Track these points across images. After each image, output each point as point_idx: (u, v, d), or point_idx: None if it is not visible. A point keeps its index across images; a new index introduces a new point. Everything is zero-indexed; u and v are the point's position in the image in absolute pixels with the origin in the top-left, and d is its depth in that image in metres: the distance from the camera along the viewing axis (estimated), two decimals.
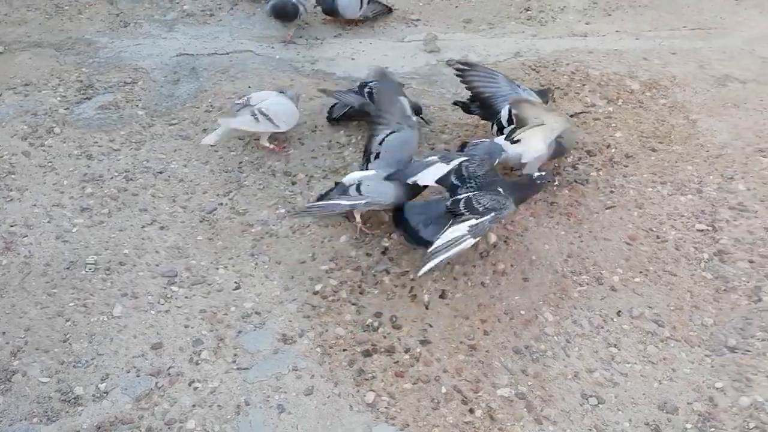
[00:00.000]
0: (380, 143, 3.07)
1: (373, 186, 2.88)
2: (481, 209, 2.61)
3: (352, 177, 2.97)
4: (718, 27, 4.73)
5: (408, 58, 4.37)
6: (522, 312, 2.74)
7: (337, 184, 3.03)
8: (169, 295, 2.78)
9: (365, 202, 2.84)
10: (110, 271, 2.88)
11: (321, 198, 3.06)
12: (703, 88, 4.05)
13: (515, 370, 2.52)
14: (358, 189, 2.88)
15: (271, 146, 3.52)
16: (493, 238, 3.05)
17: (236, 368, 2.51)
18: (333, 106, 3.72)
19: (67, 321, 2.68)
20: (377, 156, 3.05)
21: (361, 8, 4.56)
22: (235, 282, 2.84)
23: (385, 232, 3.08)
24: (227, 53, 4.37)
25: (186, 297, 2.77)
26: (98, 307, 2.74)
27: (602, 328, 2.67)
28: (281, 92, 3.56)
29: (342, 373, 2.50)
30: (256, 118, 3.36)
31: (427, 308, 2.75)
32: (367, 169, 3.03)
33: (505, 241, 3.05)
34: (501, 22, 4.76)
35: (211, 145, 3.46)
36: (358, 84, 3.70)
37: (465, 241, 2.55)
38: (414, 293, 2.82)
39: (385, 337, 2.64)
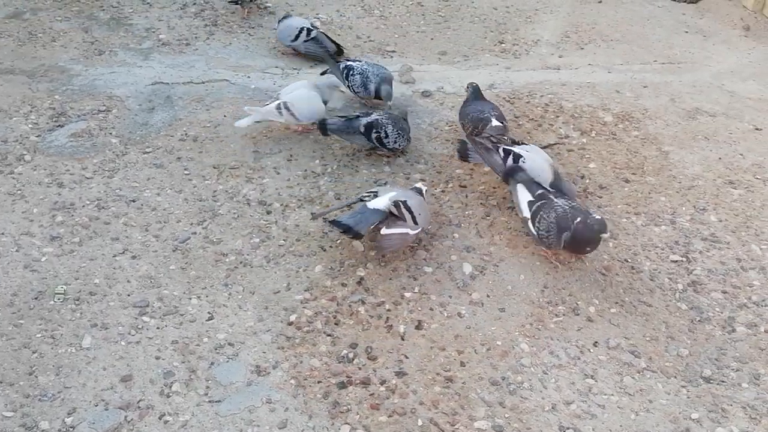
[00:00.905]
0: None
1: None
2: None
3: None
4: (687, 61, 4.86)
5: None
6: (498, 343, 2.72)
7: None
8: (140, 326, 2.71)
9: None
10: (80, 301, 2.81)
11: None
12: (675, 121, 4.13)
13: (492, 402, 2.49)
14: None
15: (299, 128, 3.83)
16: (468, 268, 3.05)
17: (208, 401, 2.44)
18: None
19: (34, 353, 2.60)
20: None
21: (294, 40, 4.58)
22: (208, 312, 2.78)
23: (360, 262, 3.05)
24: (203, 82, 4.36)
25: (158, 327, 2.71)
26: (67, 339, 2.66)
27: (579, 359, 2.66)
28: (317, 85, 3.79)
29: (316, 406, 2.45)
30: (280, 111, 3.65)
31: (403, 339, 2.73)
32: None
33: (481, 272, 3.04)
34: (476, 55, 4.83)
35: (245, 127, 3.76)
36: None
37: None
38: (390, 324, 2.79)
39: (360, 369, 2.60)
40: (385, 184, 3.47)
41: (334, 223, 2.99)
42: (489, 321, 2.81)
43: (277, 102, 3.68)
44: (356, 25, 5.22)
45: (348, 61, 4.12)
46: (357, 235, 2.98)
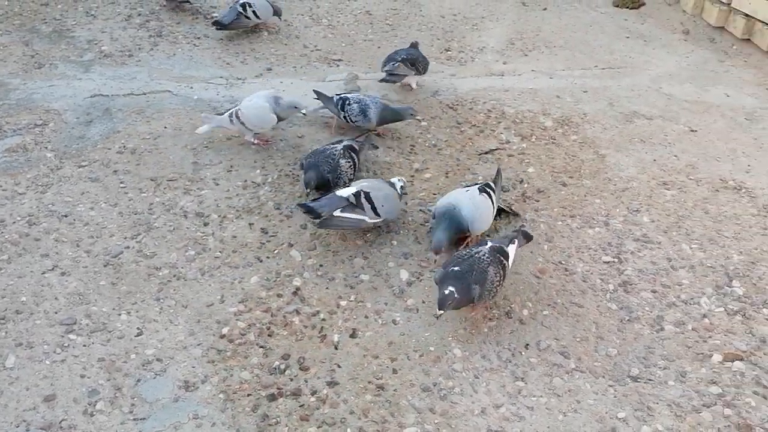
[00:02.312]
0: None
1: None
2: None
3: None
4: (627, 66, 4.94)
5: None
6: (432, 348, 2.72)
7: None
8: (66, 344, 2.66)
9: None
10: (5, 320, 2.75)
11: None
12: (612, 125, 4.20)
13: (422, 409, 2.49)
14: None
15: (255, 141, 3.81)
16: (405, 275, 3.05)
17: (133, 419, 2.40)
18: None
19: None
20: None
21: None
22: (138, 328, 2.74)
23: (297, 272, 3.04)
24: (144, 93, 4.32)
25: (84, 345, 2.66)
26: None
27: (510, 362, 2.68)
28: (276, 97, 3.77)
29: (245, 420, 2.43)
30: (231, 120, 3.71)
31: (336, 348, 2.72)
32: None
33: (418, 278, 3.05)
34: None
35: (202, 134, 3.83)
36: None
37: None
38: (324, 333, 2.78)
39: (291, 380, 2.58)
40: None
41: (300, 205, 3.17)
42: (423, 327, 2.82)
43: (230, 111, 3.74)
44: (304, 35, 5.23)
45: (340, 93, 4.00)
46: (316, 216, 3.12)
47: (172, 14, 5.35)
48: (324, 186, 3.33)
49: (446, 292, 2.56)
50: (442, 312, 2.58)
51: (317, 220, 3.14)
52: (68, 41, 4.90)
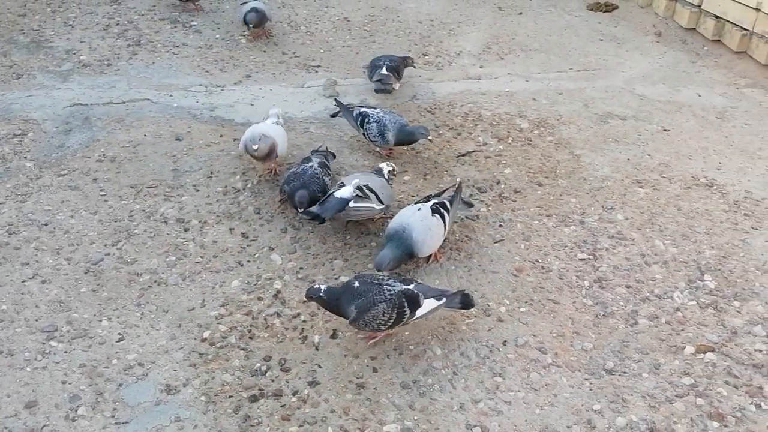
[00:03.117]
0: None
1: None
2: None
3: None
4: (601, 68, 5.03)
5: (308, 103, 4.45)
6: (411, 347, 2.76)
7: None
8: (47, 351, 2.67)
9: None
10: None
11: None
12: (587, 125, 4.28)
13: (402, 406, 2.53)
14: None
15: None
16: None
17: (114, 423, 2.41)
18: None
19: None
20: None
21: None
22: (119, 333, 2.76)
23: (277, 275, 3.07)
24: (123, 102, 4.34)
25: (65, 352, 2.67)
26: None
27: (488, 358, 2.72)
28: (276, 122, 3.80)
29: (227, 421, 2.45)
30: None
31: (317, 349, 2.75)
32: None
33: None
34: None
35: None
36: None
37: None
38: (305, 335, 2.81)
39: (273, 381, 2.61)
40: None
41: (305, 212, 3.23)
42: (403, 326, 2.85)
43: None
44: (282, 41, 5.27)
45: (362, 107, 3.91)
46: (321, 220, 3.23)
47: (151, 23, 5.37)
48: (313, 203, 3.27)
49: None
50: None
51: (320, 223, 3.27)
52: (46, 51, 4.91)
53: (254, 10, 4.99)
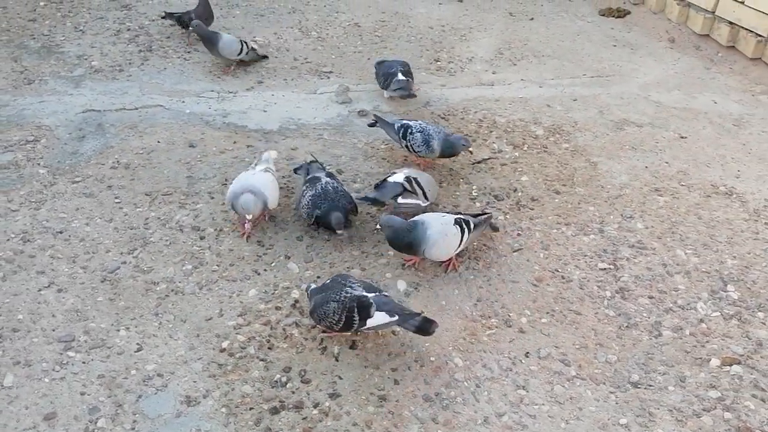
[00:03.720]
0: None
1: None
2: None
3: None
4: (615, 74, 5.00)
5: (320, 110, 4.42)
6: (432, 359, 2.73)
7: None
8: (65, 361, 2.64)
9: None
10: (2, 338, 2.72)
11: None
12: (603, 132, 4.25)
13: (425, 419, 2.49)
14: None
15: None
16: (403, 285, 3.06)
17: None
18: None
19: None
20: None
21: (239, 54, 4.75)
22: (137, 343, 2.73)
23: (294, 284, 3.04)
24: (136, 108, 4.31)
25: (83, 362, 2.64)
26: None
27: (511, 370, 2.69)
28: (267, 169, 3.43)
29: None
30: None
31: (337, 360, 2.71)
32: None
33: (415, 288, 3.06)
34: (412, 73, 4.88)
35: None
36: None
37: None
38: (324, 345, 2.77)
39: (293, 393, 2.57)
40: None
41: (364, 198, 3.37)
42: (423, 337, 2.82)
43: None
44: (293, 47, 5.24)
45: (402, 120, 3.80)
46: (381, 204, 3.37)
47: (162, 29, 5.35)
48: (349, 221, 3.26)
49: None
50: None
51: (379, 206, 3.41)
52: (57, 57, 4.88)
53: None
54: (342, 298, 2.64)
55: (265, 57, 5.03)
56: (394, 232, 3.00)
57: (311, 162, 3.60)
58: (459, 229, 3.02)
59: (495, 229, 3.35)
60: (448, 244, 3.02)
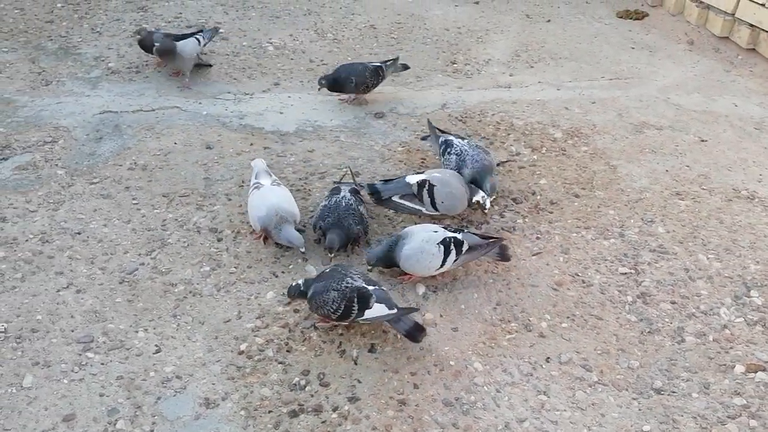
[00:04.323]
0: None
1: None
2: None
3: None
4: (634, 77, 4.96)
5: (337, 112, 4.41)
6: (452, 363, 2.70)
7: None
8: (84, 362, 2.63)
9: None
10: (21, 339, 2.73)
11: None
12: (622, 135, 4.21)
13: (445, 424, 2.47)
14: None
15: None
16: (422, 289, 3.03)
17: None
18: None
19: None
20: None
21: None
22: (156, 345, 2.72)
23: None
24: (153, 110, 4.31)
25: (102, 363, 2.63)
26: (7, 378, 2.57)
27: (532, 375, 2.66)
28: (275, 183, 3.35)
29: None
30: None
31: (356, 363, 2.69)
32: None
33: (434, 291, 3.03)
34: (428, 75, 4.87)
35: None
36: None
37: None
38: (343, 349, 2.75)
39: (312, 396, 2.55)
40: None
41: (369, 185, 3.41)
42: (442, 341, 2.80)
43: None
44: (309, 49, 5.23)
45: (449, 135, 3.69)
46: (378, 198, 3.37)
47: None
48: (346, 242, 3.13)
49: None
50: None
51: (377, 201, 3.37)
52: (75, 58, 4.89)
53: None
54: (343, 288, 2.67)
55: (209, 65, 4.81)
56: (378, 259, 3.00)
57: (341, 178, 3.56)
58: (442, 249, 2.91)
59: (506, 258, 3.08)
60: (424, 261, 2.93)
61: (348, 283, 2.70)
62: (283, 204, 3.18)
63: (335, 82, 4.30)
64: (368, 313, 2.68)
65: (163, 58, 4.57)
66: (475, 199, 3.33)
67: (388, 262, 3.01)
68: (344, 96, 4.46)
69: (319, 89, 4.30)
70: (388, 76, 4.48)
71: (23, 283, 2.98)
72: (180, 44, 4.51)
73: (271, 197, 3.21)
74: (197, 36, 4.63)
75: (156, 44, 4.51)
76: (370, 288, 2.71)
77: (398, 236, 3.01)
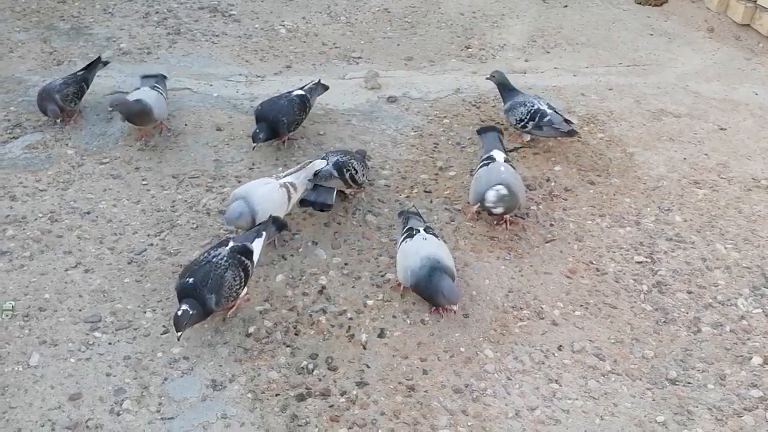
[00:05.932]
0: None
1: None
2: None
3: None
4: (652, 63, 4.86)
5: (349, 95, 4.35)
6: (462, 349, 2.66)
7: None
8: (91, 342, 2.61)
9: None
10: (29, 317, 2.71)
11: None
12: (639, 122, 4.13)
13: (455, 410, 2.43)
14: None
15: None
16: None
17: (160, 418, 2.35)
18: None
19: None
20: None
21: None
22: (164, 326, 2.70)
23: (322, 270, 2.99)
24: None
25: (109, 343, 2.61)
26: (14, 357, 2.56)
27: (543, 363, 2.61)
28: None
29: (274, 420, 2.37)
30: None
31: (364, 348, 2.66)
32: None
33: None
34: (442, 60, 4.80)
35: None
36: None
37: None
38: (351, 333, 2.72)
39: (320, 380, 2.52)
40: None
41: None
42: (453, 327, 2.76)
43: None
44: (322, 32, 5.17)
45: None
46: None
47: (190, 12, 5.31)
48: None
49: (180, 312, 2.42)
50: (180, 333, 2.43)
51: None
52: (86, 38, 4.86)
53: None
54: (228, 263, 2.63)
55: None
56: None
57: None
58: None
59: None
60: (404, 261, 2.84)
61: (222, 257, 2.62)
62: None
63: (271, 131, 3.57)
64: (256, 257, 2.74)
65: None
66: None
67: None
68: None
69: (254, 147, 3.59)
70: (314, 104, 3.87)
71: (32, 261, 2.96)
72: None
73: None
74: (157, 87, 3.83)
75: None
76: (241, 242, 2.73)
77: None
